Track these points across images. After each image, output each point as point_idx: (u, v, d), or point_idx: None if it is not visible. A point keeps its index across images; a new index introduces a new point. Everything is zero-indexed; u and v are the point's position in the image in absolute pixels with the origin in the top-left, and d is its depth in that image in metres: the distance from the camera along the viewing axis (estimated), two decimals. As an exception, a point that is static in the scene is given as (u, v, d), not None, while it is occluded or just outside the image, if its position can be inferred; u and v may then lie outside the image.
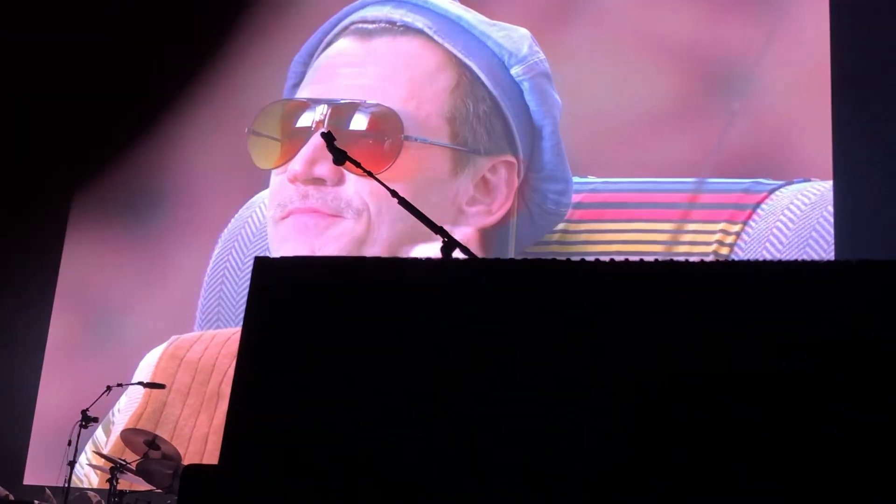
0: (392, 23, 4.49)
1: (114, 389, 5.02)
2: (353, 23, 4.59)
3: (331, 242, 4.23)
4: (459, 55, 4.37)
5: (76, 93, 6.53)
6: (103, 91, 6.46)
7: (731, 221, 4.32)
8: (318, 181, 4.35)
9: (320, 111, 4.37)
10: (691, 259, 2.28)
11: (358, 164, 3.05)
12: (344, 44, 4.58)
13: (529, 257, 4.30)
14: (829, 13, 4.57)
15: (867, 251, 4.28)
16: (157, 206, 6.06)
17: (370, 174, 3.11)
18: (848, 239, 4.35)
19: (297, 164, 4.33)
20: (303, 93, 4.61)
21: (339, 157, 3.02)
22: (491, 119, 4.33)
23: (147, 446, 4.61)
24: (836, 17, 4.58)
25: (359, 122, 4.33)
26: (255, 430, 1.67)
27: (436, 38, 4.41)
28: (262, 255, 4.04)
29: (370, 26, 4.53)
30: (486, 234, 4.36)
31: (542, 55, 4.42)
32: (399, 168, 4.25)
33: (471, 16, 4.48)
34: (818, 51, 4.53)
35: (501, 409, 1.58)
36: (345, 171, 4.28)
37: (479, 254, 4.10)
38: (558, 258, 1.68)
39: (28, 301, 6.40)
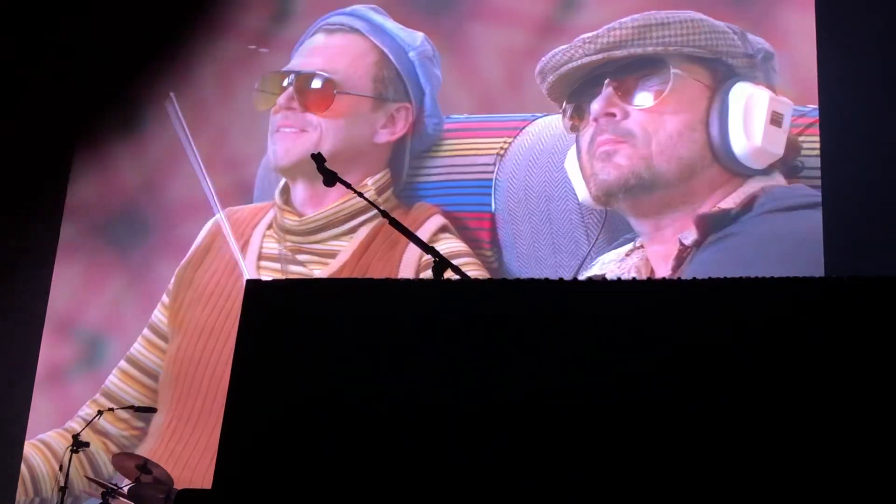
0: (343, 25, 6.47)
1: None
2: (323, 24, 6.81)
3: (299, 146, 6.10)
4: (380, 45, 6.32)
5: (67, 114, 6.32)
6: (96, 111, 6.37)
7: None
8: (292, 109, 6.26)
9: (295, 75, 6.32)
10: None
11: (348, 185, 3.19)
12: (316, 37, 6.52)
13: (430, 174, 5.78)
14: (816, 33, 4.77)
15: (858, 268, 4.17)
16: (148, 229, 6.17)
17: (359, 194, 3.36)
18: (838, 256, 4.26)
19: (280, 100, 6.26)
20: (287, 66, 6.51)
21: (330, 179, 3.05)
22: (395, 81, 6.23)
23: (139, 470, 4.43)
24: (823, 36, 4.62)
25: (316, 83, 6.28)
26: (249, 452, 1.56)
27: (367, 35, 6.37)
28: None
29: (332, 27, 6.50)
30: (391, 146, 6.21)
31: (429, 46, 6.24)
32: (336, 109, 6.15)
33: (390, 24, 6.37)
34: (806, 72, 4.81)
35: (495, 431, 1.47)
36: (309, 105, 5.98)
37: (386, 158, 5.95)
38: (551, 279, 1.57)
39: (19, 325, 6.05)
